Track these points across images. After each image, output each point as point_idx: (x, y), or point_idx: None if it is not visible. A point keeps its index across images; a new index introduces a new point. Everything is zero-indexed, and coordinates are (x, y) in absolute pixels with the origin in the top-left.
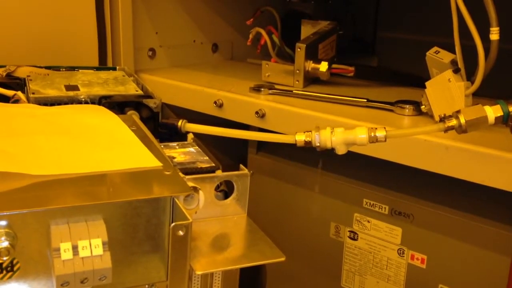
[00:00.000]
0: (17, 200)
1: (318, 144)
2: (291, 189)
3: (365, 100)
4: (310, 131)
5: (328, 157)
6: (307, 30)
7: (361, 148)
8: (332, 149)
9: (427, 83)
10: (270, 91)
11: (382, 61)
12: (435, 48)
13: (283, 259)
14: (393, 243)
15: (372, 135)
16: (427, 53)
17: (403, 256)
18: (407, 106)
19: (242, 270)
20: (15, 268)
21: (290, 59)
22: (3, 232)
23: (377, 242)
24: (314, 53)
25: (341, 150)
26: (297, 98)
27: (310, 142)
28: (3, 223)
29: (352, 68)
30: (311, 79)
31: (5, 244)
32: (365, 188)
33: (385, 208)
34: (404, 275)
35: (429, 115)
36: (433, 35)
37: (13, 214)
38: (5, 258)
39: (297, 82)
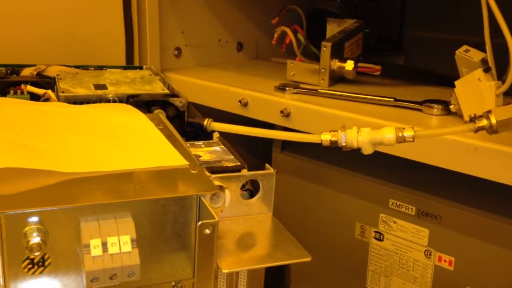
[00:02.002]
0: (48, 197)
1: (344, 144)
2: (315, 188)
3: (392, 99)
4: (336, 131)
5: (353, 157)
6: (332, 28)
7: (387, 148)
8: (358, 149)
9: (456, 82)
10: (295, 90)
11: (408, 60)
12: (465, 47)
13: (308, 259)
14: (420, 245)
15: (400, 135)
16: (457, 52)
17: (430, 258)
18: (436, 105)
19: (267, 269)
20: (46, 263)
21: (316, 58)
22: (34, 228)
23: (403, 243)
24: (340, 51)
25: (367, 150)
26: (323, 97)
27: (336, 142)
28: (35, 219)
29: (378, 67)
30: (337, 78)
31: (37, 239)
32: (391, 189)
33: (412, 209)
34: (431, 277)
35: (458, 115)
36: (462, 33)
37: (45, 211)
38: (36, 254)
39: (322, 81)
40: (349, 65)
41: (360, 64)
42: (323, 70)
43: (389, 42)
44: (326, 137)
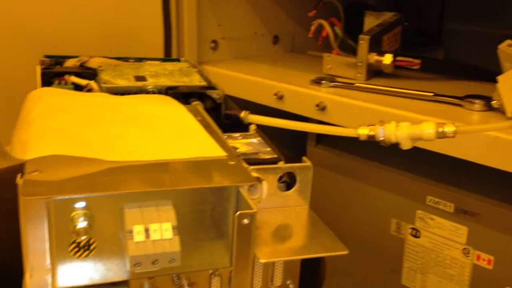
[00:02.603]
0: (93, 183)
1: (382, 139)
2: (350, 183)
3: (432, 94)
4: (374, 125)
5: (390, 152)
6: (370, 21)
7: (426, 143)
8: (396, 144)
9: (499, 78)
10: (331, 84)
11: (448, 54)
12: (508, 41)
13: (345, 252)
14: (458, 242)
15: (440, 131)
16: (499, 47)
17: (468, 256)
18: (477, 101)
19: (302, 262)
20: (91, 247)
21: (353, 52)
22: (81, 213)
23: (440, 240)
24: (377, 45)
25: (406, 145)
26: (359, 91)
27: (373, 136)
28: (82, 204)
29: (418, 61)
30: (374, 72)
31: (84, 224)
32: (429, 185)
33: (450, 206)
34: (469, 275)
35: (500, 111)
36: (504, 27)
37: (91, 197)
38: (82, 238)
39: (359, 75)
40: (387, 58)
41: (398, 58)
42: (360, 64)
43: (428, 36)
44: (363, 131)
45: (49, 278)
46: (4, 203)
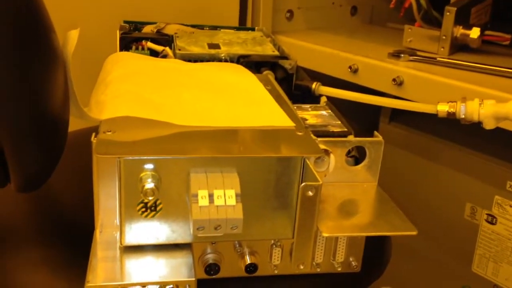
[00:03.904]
0: (163, 146)
1: (463, 116)
2: (424, 163)
3: None
4: (455, 102)
5: (468, 132)
6: None
7: (510, 124)
8: (478, 123)
9: None
10: (411, 58)
11: None
12: None
13: (414, 233)
14: None
15: None
16: None
17: None
18: None
19: (366, 240)
20: (158, 208)
21: (437, 24)
22: (149, 174)
23: None
24: (465, 17)
25: (489, 125)
26: (441, 67)
27: (453, 114)
28: (150, 166)
29: (508, 36)
30: (459, 47)
31: (151, 185)
32: (511, 169)
33: None
34: None
35: None
36: None
37: (159, 159)
38: (150, 198)
39: (442, 49)
40: (475, 32)
41: (487, 32)
42: (444, 37)
43: None
44: (443, 108)
45: (117, 235)
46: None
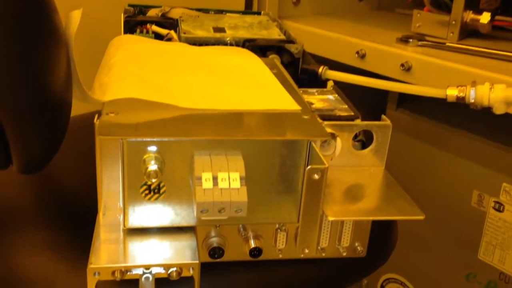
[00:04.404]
0: (166, 128)
1: (472, 101)
2: (431, 150)
3: None
4: (465, 86)
5: (476, 119)
6: None
7: None
8: (487, 109)
9: None
10: (420, 43)
11: None
12: None
13: (422, 217)
14: None
15: None
16: None
17: None
18: None
19: (372, 225)
20: (161, 191)
21: (446, 9)
22: (153, 156)
23: None
24: (475, 2)
25: (499, 109)
26: (450, 52)
27: (463, 98)
28: (153, 148)
29: None
30: (468, 32)
31: (155, 167)
32: None
33: None
34: None
35: None
36: None
37: (163, 141)
38: (153, 180)
39: (451, 34)
40: (485, 17)
41: (497, 17)
42: (453, 22)
43: None
44: (452, 92)
45: (121, 217)
46: (84, 147)
